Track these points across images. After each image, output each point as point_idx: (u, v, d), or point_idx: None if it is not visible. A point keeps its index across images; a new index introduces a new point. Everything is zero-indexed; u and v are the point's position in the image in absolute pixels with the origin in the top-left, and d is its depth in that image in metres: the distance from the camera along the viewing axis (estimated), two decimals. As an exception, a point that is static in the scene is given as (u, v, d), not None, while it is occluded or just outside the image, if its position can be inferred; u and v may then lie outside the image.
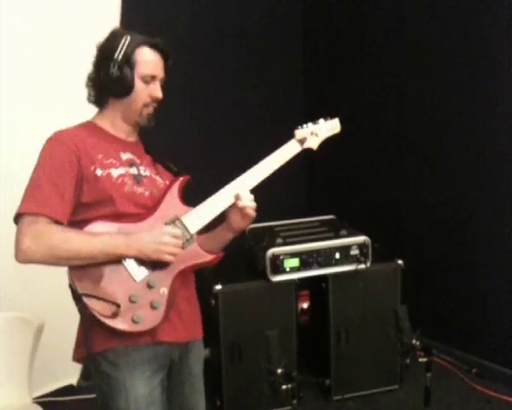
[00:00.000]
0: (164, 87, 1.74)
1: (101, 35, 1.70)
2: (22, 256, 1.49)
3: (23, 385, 2.17)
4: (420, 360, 2.25)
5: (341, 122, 1.96)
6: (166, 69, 1.73)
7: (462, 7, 3.03)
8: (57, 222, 1.52)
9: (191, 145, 3.30)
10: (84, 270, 1.53)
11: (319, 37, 3.99)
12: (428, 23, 3.22)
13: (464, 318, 3.23)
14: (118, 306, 1.51)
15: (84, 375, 2.94)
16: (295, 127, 1.87)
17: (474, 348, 3.14)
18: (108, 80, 1.64)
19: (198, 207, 1.71)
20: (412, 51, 3.35)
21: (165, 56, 1.72)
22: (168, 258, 1.58)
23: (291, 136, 1.86)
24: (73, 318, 1.70)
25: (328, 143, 1.96)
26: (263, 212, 3.16)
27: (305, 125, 1.88)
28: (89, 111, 1.77)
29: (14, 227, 1.54)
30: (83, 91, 1.75)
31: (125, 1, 2.95)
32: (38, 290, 2.61)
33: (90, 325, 1.57)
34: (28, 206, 1.52)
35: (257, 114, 3.77)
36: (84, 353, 1.62)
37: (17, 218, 1.53)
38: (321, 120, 1.93)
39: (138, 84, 1.66)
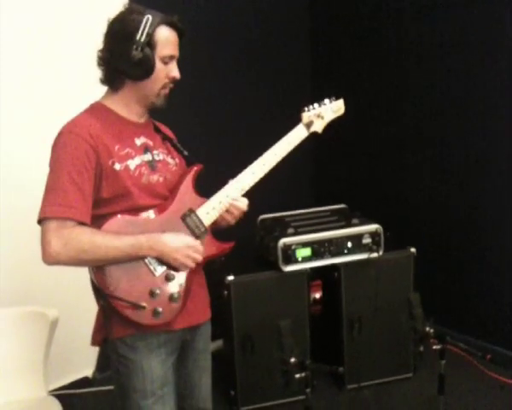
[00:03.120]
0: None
1: (102, 35, 1.65)
2: (50, 260, 1.51)
3: (38, 378, 2.19)
4: (433, 347, 2.24)
5: (352, 110, 1.95)
6: (180, 47, 1.69)
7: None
8: (83, 223, 1.53)
9: (200, 133, 3.27)
10: (106, 268, 1.55)
11: (327, 22, 3.94)
12: (438, 15, 3.19)
13: (478, 304, 3.22)
14: (143, 308, 1.56)
15: (100, 367, 2.95)
16: (301, 109, 1.86)
17: (488, 335, 3.12)
18: (128, 63, 1.57)
19: (211, 200, 1.73)
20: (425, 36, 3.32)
21: (181, 34, 1.67)
22: (183, 269, 1.64)
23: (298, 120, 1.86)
24: (88, 310, 1.75)
25: (338, 131, 1.95)
26: (272, 203, 3.19)
27: (311, 107, 1.87)
28: None
29: (27, 223, 1.54)
30: (83, 92, 1.72)
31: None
32: (53, 284, 2.63)
33: (108, 314, 1.61)
34: (54, 209, 1.51)
35: (265, 102, 3.75)
36: (103, 337, 1.67)
37: (41, 220, 1.53)
38: (326, 100, 1.92)
39: (158, 65, 1.62)
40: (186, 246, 1.60)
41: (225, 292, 2.72)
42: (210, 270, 1.88)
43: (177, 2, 3.16)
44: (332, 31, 3.91)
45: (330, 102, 1.92)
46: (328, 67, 3.96)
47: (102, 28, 1.64)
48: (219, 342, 3.02)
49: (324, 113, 1.89)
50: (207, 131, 3.40)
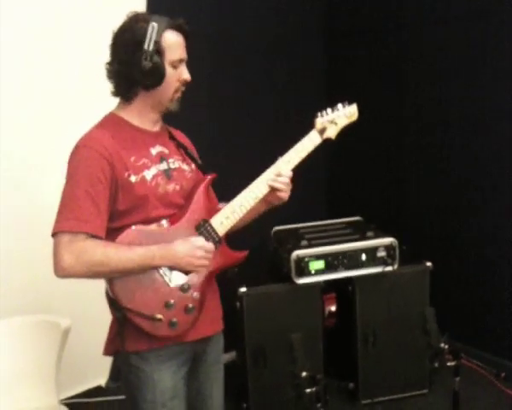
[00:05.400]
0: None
1: (102, 35, 1.66)
2: (63, 273, 1.51)
3: (50, 387, 2.20)
4: (448, 363, 2.20)
5: (368, 121, 1.91)
6: (188, 49, 1.69)
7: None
8: (97, 237, 1.54)
9: (214, 139, 3.27)
10: (122, 280, 1.56)
11: (343, 25, 3.93)
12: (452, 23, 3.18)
13: (494, 320, 3.15)
14: (159, 320, 1.57)
15: (113, 376, 2.96)
16: (315, 114, 1.84)
17: (505, 351, 3.06)
18: (139, 72, 1.57)
19: (225, 209, 1.72)
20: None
21: (187, 37, 1.67)
22: (200, 270, 1.63)
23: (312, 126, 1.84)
24: (102, 319, 1.75)
25: (355, 143, 1.92)
26: (287, 214, 3.17)
27: (324, 112, 1.84)
28: (90, 112, 1.76)
29: (40, 233, 1.55)
30: (83, 91, 1.73)
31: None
32: (66, 292, 2.63)
33: (122, 326, 1.61)
34: (67, 224, 1.51)
35: (279, 109, 3.74)
36: (116, 348, 1.67)
37: (55, 234, 1.53)
38: (339, 106, 1.87)
39: (169, 70, 1.62)
40: (196, 247, 1.60)
41: (238, 304, 2.71)
42: (223, 281, 1.87)
43: (193, 7, 3.22)
44: (348, 36, 3.89)
45: (344, 107, 1.88)
46: (344, 75, 3.95)
47: (102, 28, 1.64)
48: (232, 354, 3.01)
49: (338, 118, 1.86)
50: (221, 138, 3.40)
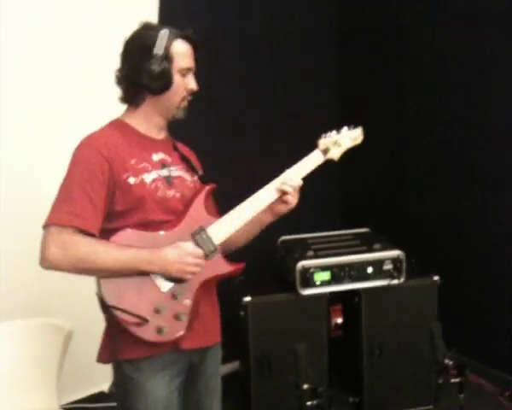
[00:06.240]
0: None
1: (102, 35, 1.67)
2: (48, 265, 1.52)
3: (51, 391, 2.20)
4: (452, 380, 2.17)
5: (379, 135, 1.92)
6: (197, 60, 1.73)
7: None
8: (89, 233, 1.54)
9: (219, 153, 3.25)
10: (112, 280, 1.54)
11: (356, 42, 3.93)
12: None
13: (501, 335, 3.11)
14: (146, 320, 1.54)
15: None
16: (319, 136, 1.85)
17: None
18: (148, 77, 1.61)
19: (222, 219, 1.71)
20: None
21: (196, 47, 1.71)
22: (189, 277, 1.61)
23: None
24: (105, 324, 1.73)
25: (366, 156, 1.92)
26: (298, 224, 3.16)
27: (328, 134, 1.85)
28: (89, 112, 1.77)
29: (37, 232, 1.55)
30: (83, 92, 1.74)
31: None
32: (70, 296, 2.64)
33: (116, 332, 1.60)
34: (59, 217, 1.52)
35: (289, 123, 3.70)
36: (109, 356, 1.65)
37: (45, 226, 1.54)
38: (344, 129, 1.89)
39: (176, 78, 1.66)
40: (186, 254, 1.58)
41: (242, 313, 2.70)
42: (228, 289, 1.86)
43: (208, 21, 3.23)
44: (360, 52, 3.89)
45: (349, 129, 1.90)
46: (356, 90, 3.94)
47: (103, 28, 1.67)
48: (236, 364, 3.00)
49: (342, 140, 1.87)
50: (226, 150, 3.39)
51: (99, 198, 1.55)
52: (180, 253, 1.58)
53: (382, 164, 3.75)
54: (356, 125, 1.91)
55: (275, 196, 1.76)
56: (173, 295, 1.59)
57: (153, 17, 2.89)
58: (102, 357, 1.68)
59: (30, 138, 2.73)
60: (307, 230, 3.28)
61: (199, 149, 1.94)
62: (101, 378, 2.95)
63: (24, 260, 2.61)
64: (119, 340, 1.60)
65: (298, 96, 3.74)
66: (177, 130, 1.83)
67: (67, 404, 2.80)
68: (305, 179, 1.80)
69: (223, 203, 1.79)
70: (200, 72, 1.75)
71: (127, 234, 1.58)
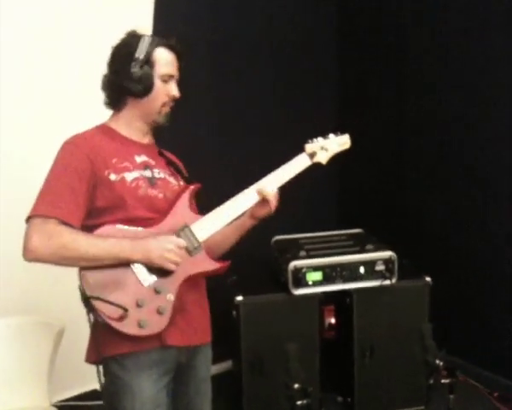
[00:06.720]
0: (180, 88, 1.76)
1: (101, 35, 1.69)
2: (30, 255, 1.54)
3: (42, 389, 2.20)
4: (442, 381, 2.18)
5: (378, 135, 1.93)
6: (180, 69, 1.77)
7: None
8: (71, 226, 1.55)
9: (205, 152, 3.20)
10: (93, 272, 1.56)
11: (355, 43, 3.94)
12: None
13: (493, 337, 3.12)
14: (125, 310, 1.54)
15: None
16: (306, 142, 1.88)
17: (504, 368, 3.01)
18: (129, 80, 1.66)
19: (207, 216, 1.73)
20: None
21: (180, 56, 1.75)
22: (171, 266, 1.61)
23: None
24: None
25: (361, 157, 1.93)
26: (295, 225, 3.16)
27: (315, 140, 1.89)
28: (89, 112, 1.78)
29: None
30: (83, 92, 1.76)
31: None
32: (61, 294, 2.63)
33: (100, 329, 1.60)
34: (41, 208, 1.56)
35: (286, 126, 3.70)
36: (95, 356, 1.66)
37: (29, 219, 1.57)
38: (331, 135, 1.93)
39: (158, 83, 1.70)
40: (167, 241, 1.60)
41: (234, 312, 2.70)
42: (220, 289, 1.86)
43: (206, 24, 3.23)
44: (360, 53, 3.89)
45: (336, 136, 1.93)
46: (356, 91, 3.94)
47: (103, 28, 1.70)
48: (228, 363, 3.01)
49: (329, 145, 1.90)
50: (222, 149, 3.38)
51: (81, 192, 1.59)
52: (162, 239, 1.60)
53: (382, 164, 3.75)
54: (343, 132, 1.95)
55: (256, 197, 1.77)
56: (156, 290, 1.60)
57: (148, 18, 2.91)
58: (89, 357, 1.70)
59: (30, 138, 2.74)
60: (304, 230, 3.29)
61: (199, 149, 1.96)
62: (94, 376, 2.90)
63: (18, 259, 2.63)
64: (102, 337, 1.60)
65: (298, 96, 3.74)
66: (177, 130, 1.85)
67: (60, 402, 2.79)
68: (303, 180, 1.83)
69: (222, 203, 1.79)
70: (200, 72, 1.78)
71: (110, 228, 1.60)
